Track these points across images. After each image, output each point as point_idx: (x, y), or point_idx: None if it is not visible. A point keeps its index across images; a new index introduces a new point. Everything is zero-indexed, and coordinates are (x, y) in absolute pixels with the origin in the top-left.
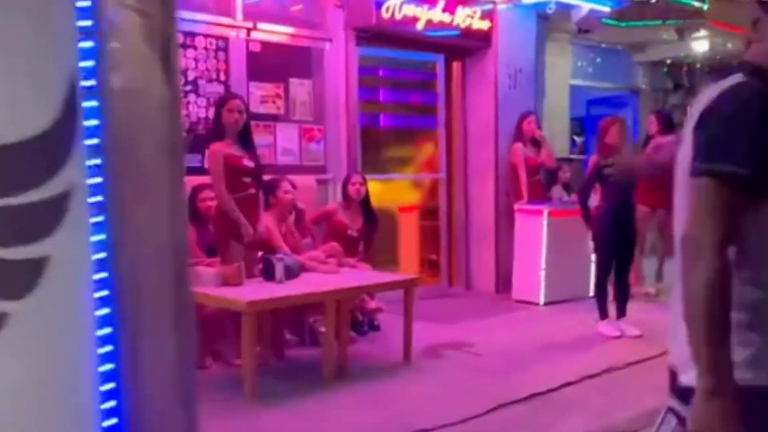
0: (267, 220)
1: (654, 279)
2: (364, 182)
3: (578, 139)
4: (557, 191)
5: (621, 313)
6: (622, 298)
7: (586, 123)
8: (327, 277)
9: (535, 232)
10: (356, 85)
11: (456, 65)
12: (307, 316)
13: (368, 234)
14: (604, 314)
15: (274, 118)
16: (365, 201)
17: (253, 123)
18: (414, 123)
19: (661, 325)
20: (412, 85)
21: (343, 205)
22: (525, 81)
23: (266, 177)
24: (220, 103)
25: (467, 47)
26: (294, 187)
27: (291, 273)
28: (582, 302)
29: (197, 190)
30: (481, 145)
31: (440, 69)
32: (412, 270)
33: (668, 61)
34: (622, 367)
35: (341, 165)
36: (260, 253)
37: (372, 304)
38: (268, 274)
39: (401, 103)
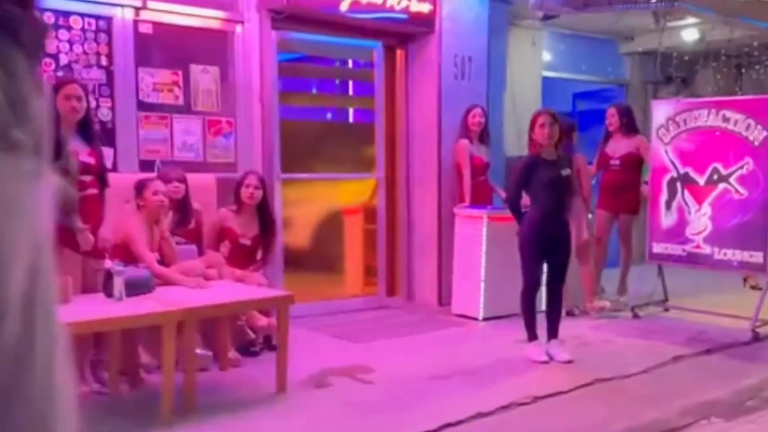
0: (131, 225)
1: (615, 292)
2: (261, 185)
3: None
4: None
5: (552, 333)
6: (553, 316)
7: (573, 118)
8: (189, 292)
9: (475, 238)
10: (274, 74)
11: (399, 53)
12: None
13: (266, 242)
14: (531, 335)
15: (171, 108)
16: (262, 206)
17: (143, 114)
18: (347, 117)
19: (603, 347)
20: (345, 75)
21: (235, 210)
22: (475, 71)
23: (138, 176)
24: (54, 89)
25: (407, 33)
26: (183, 180)
27: (138, 288)
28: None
29: None
30: (423, 142)
31: (378, 57)
32: (357, 278)
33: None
34: (529, 402)
35: (255, 162)
36: (107, 264)
37: (263, 321)
38: (108, 289)
39: (332, 95)
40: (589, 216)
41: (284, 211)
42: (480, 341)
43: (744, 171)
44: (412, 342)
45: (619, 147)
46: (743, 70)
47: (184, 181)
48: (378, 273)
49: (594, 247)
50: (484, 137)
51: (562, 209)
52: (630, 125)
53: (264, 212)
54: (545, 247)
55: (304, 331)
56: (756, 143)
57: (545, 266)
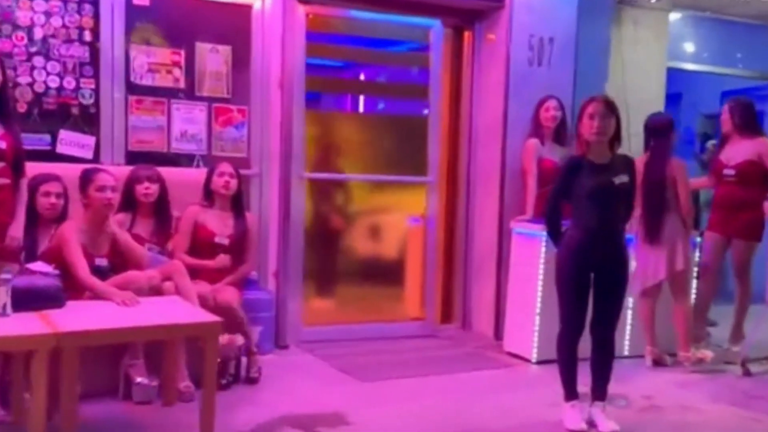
0: (65, 226)
1: (729, 341)
2: (236, 174)
3: (710, 144)
4: None
5: (597, 393)
6: (600, 370)
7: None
8: (93, 312)
9: (532, 260)
10: (301, 56)
11: (467, 36)
12: (120, 358)
13: (240, 243)
14: (569, 393)
15: (169, 92)
16: (237, 200)
17: (134, 98)
18: (394, 108)
19: (678, 417)
20: (392, 59)
21: (206, 204)
22: (558, 55)
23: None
24: None
25: (472, 9)
26: (157, 180)
27: (37, 301)
28: None
29: None
30: (487, 141)
31: (435, 38)
32: (403, 300)
33: None
34: None
35: (272, 158)
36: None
37: (224, 339)
38: None
39: (375, 82)
40: (697, 239)
41: (312, 214)
42: (514, 392)
43: None
44: (432, 385)
45: (735, 153)
46: None
47: (158, 180)
48: (426, 295)
49: (699, 279)
50: (560, 136)
51: (612, 228)
52: (746, 125)
53: (239, 207)
54: (588, 279)
55: (309, 360)
56: None
57: (591, 304)
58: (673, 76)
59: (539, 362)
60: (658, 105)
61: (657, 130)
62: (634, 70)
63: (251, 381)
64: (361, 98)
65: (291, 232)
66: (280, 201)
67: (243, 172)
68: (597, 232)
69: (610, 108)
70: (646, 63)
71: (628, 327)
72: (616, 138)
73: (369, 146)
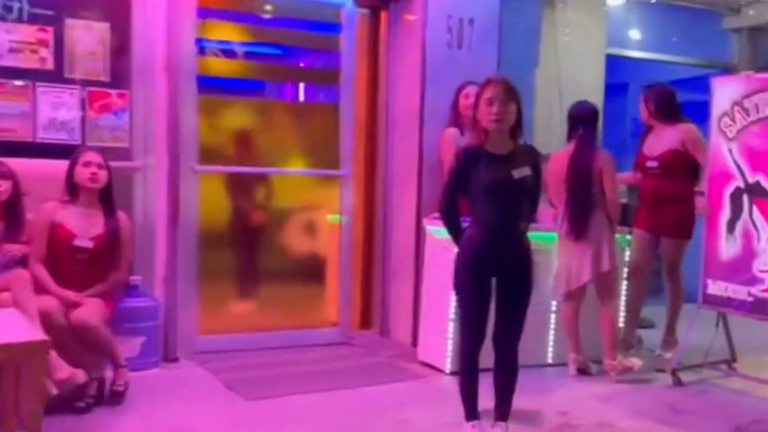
0: None
1: (660, 346)
2: (105, 164)
3: None
4: None
5: (499, 413)
6: (503, 387)
7: None
8: None
9: (445, 261)
10: (191, 34)
11: (384, 16)
12: None
13: (110, 246)
14: (469, 412)
15: (34, 75)
16: (106, 195)
17: None
18: (303, 95)
19: None
20: (300, 40)
21: (67, 200)
22: (479, 38)
23: None
24: None
25: None
26: (9, 177)
27: None
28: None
29: None
30: (403, 131)
31: (346, 18)
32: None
33: None
34: None
35: (159, 149)
36: None
37: (63, 372)
38: None
39: (281, 66)
40: (628, 237)
41: (209, 211)
42: (421, 408)
43: None
44: (330, 402)
45: (657, 144)
46: None
47: (9, 177)
48: (340, 300)
49: (630, 280)
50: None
51: (515, 227)
52: (664, 113)
53: (109, 203)
54: (489, 283)
55: (197, 375)
56: None
57: (494, 312)
58: (619, 64)
59: (453, 373)
60: (597, 95)
61: (581, 120)
62: (569, 56)
63: (115, 396)
64: (266, 83)
65: (181, 231)
66: (168, 197)
67: (125, 164)
68: (497, 231)
69: (510, 92)
70: (583, 49)
71: (552, 333)
72: (517, 126)
73: (275, 136)
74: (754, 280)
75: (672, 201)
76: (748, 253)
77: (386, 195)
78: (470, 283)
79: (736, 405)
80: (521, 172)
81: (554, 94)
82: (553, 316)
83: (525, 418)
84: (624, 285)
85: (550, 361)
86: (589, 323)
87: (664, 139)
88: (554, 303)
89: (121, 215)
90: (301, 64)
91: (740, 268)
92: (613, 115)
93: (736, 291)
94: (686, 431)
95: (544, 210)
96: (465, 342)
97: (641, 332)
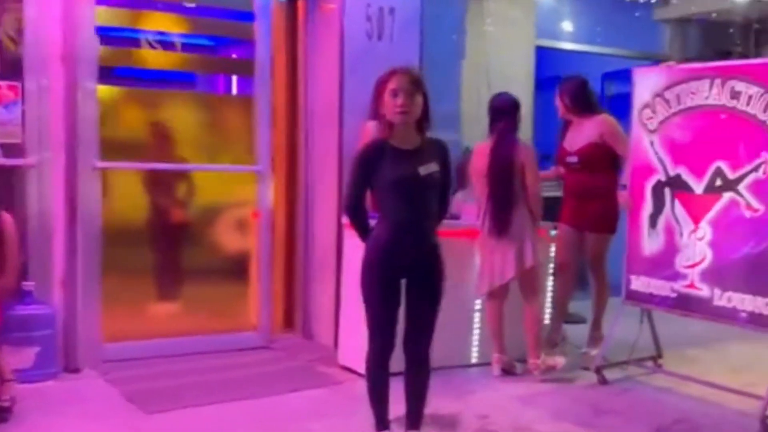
0: None
1: (587, 343)
2: None
3: None
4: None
5: (411, 421)
6: (414, 394)
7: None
8: None
9: None
10: (90, 21)
11: (300, 5)
12: None
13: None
14: (379, 422)
15: None
16: None
17: None
18: (211, 86)
19: None
20: (210, 29)
21: None
22: (400, 28)
23: None
24: None
25: None
26: None
27: None
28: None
29: None
30: (323, 124)
31: (260, 6)
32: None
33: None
34: None
35: (55, 145)
36: None
37: None
38: None
39: (189, 56)
40: (552, 232)
41: (117, 211)
42: (333, 418)
43: (760, 174)
44: (237, 413)
45: (576, 138)
46: None
47: None
48: (260, 302)
49: (556, 277)
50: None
51: (423, 225)
52: (580, 106)
53: None
54: (398, 285)
55: (96, 386)
56: None
57: (404, 315)
58: (551, 57)
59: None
60: (527, 88)
61: (501, 112)
62: (497, 48)
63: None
64: (177, 74)
65: (81, 232)
66: (65, 195)
67: (17, 161)
68: (405, 230)
69: (415, 83)
70: (512, 41)
71: (477, 332)
72: (424, 119)
73: (187, 131)
74: (676, 276)
75: (594, 195)
76: (671, 248)
77: (308, 191)
78: (378, 284)
79: (660, 404)
80: (428, 168)
81: (483, 86)
82: (477, 315)
83: (441, 423)
84: (550, 281)
85: (474, 360)
86: (515, 321)
87: (582, 133)
88: (479, 301)
89: (5, 216)
90: (214, 55)
91: (663, 264)
92: (545, 108)
93: (659, 287)
94: None
95: (467, 205)
96: (373, 347)
97: (568, 329)
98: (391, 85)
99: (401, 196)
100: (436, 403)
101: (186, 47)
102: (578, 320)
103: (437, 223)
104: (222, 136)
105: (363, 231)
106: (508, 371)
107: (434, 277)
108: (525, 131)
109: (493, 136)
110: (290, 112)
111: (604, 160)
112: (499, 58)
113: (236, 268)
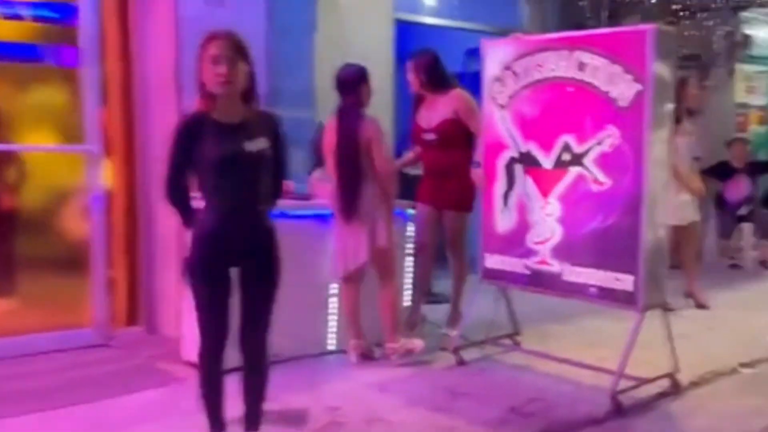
0: None
1: (446, 324)
2: None
3: None
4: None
5: (249, 422)
6: (251, 392)
7: (464, 82)
8: None
9: None
10: None
11: None
12: None
13: None
14: (213, 424)
15: None
16: None
17: None
18: (27, 54)
19: None
20: None
21: None
22: None
23: None
24: None
25: None
26: None
27: None
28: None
29: None
30: (161, 100)
31: None
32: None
33: None
34: None
35: None
36: None
37: None
38: None
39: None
40: (410, 211)
41: None
42: (153, 425)
43: (606, 147)
44: (53, 421)
45: (432, 114)
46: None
47: None
48: (95, 295)
49: (415, 257)
50: (248, 95)
51: (253, 209)
52: (436, 82)
53: None
54: (227, 274)
55: None
56: (622, 103)
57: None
58: (413, 32)
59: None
60: (386, 63)
61: (345, 85)
62: (354, 21)
63: None
64: None
65: None
66: None
67: None
68: (232, 215)
69: (238, 49)
70: (369, 14)
71: (333, 318)
72: (251, 89)
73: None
74: (529, 253)
75: (452, 173)
76: (523, 226)
77: (147, 172)
78: (205, 275)
79: (516, 383)
80: (256, 143)
81: (338, 61)
82: (334, 299)
83: (288, 419)
84: (410, 262)
85: (332, 348)
86: (373, 305)
87: (438, 110)
88: (335, 285)
89: None
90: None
91: (516, 241)
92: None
93: (513, 264)
94: (459, 418)
95: (323, 185)
96: (204, 342)
97: (431, 309)
98: (212, 51)
99: (226, 177)
100: (285, 397)
101: None
102: (442, 300)
103: (270, 206)
104: (47, 114)
105: (186, 216)
106: (366, 356)
107: (268, 265)
108: (385, 109)
109: (337, 111)
110: (125, 86)
111: (461, 137)
112: (355, 32)
113: (72, 258)
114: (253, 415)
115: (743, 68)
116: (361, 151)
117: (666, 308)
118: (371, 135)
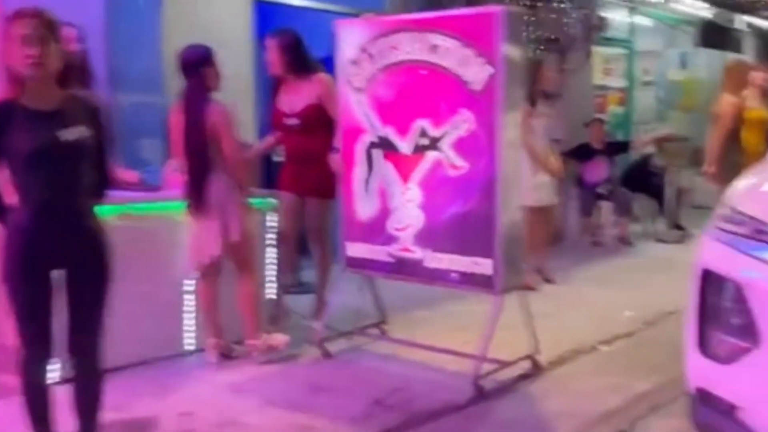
0: None
1: (312, 316)
2: None
3: None
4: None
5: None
6: (82, 404)
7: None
8: None
9: None
10: None
11: None
12: None
13: None
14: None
15: None
16: None
17: None
18: None
19: None
20: None
21: None
22: None
23: None
24: None
25: None
26: None
27: None
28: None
29: None
30: None
31: None
32: None
33: None
34: None
35: None
36: None
37: None
38: None
39: None
40: (271, 200)
41: None
42: None
43: (461, 132)
44: None
45: (295, 99)
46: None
47: None
48: None
49: (278, 247)
50: (83, 78)
51: (73, 204)
52: (302, 64)
53: None
54: (47, 277)
55: None
56: (476, 86)
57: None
58: (273, 13)
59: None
60: (245, 46)
61: (187, 67)
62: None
63: None
64: None
65: None
66: None
67: None
68: (48, 212)
69: (49, 28)
70: None
71: (192, 317)
72: (69, 72)
73: None
74: (391, 240)
75: (314, 159)
76: (384, 212)
77: None
78: (21, 278)
79: (381, 373)
80: (74, 132)
81: (191, 42)
82: (191, 296)
83: (133, 429)
84: (272, 253)
85: (190, 348)
86: (233, 301)
87: (300, 94)
88: (191, 282)
89: None
90: None
91: (378, 229)
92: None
93: (376, 252)
94: (320, 416)
95: (174, 175)
96: (24, 350)
97: (300, 300)
98: (20, 30)
99: (40, 170)
100: (133, 404)
101: None
102: (309, 290)
103: (96, 201)
104: None
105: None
106: (227, 355)
107: (94, 267)
108: (245, 94)
109: (181, 95)
110: None
111: (324, 123)
112: (208, 10)
113: None
114: (87, 428)
115: (601, 51)
116: (208, 138)
117: (528, 288)
118: (218, 120)
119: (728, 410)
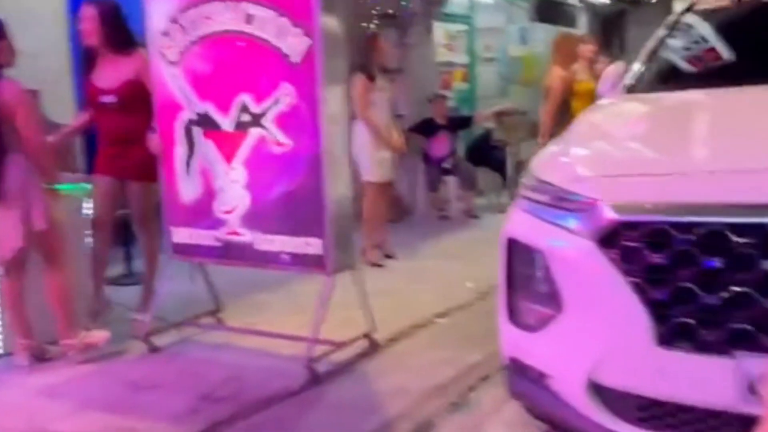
0: None
1: (137, 309)
2: None
3: None
4: None
5: None
6: None
7: None
8: None
9: None
10: None
11: None
12: None
13: None
14: None
15: None
16: None
17: None
18: None
19: None
20: None
21: None
22: None
23: None
24: None
25: None
26: None
27: None
28: None
29: None
30: None
31: None
32: None
33: None
34: None
35: None
36: None
37: None
38: None
39: None
40: (87, 186)
41: None
42: None
43: (283, 106)
44: None
45: (113, 74)
46: None
47: None
48: None
49: (93, 236)
50: None
51: None
52: (122, 36)
53: None
54: None
55: None
56: (295, 59)
57: None
58: None
59: None
60: (59, 19)
61: None
62: None
63: None
64: None
65: None
66: None
67: None
68: None
69: None
70: None
71: None
72: None
73: None
74: (218, 224)
75: (134, 140)
76: (209, 195)
77: None
78: None
79: (212, 365)
80: None
81: None
82: None
83: None
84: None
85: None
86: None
87: (119, 69)
88: None
89: None
90: None
91: (203, 212)
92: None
93: (204, 237)
94: (141, 417)
95: None
96: None
97: (123, 292)
98: None
99: None
100: None
101: None
102: (136, 281)
103: None
104: None
105: None
106: (40, 357)
107: None
108: (60, 72)
109: None
110: None
111: (143, 101)
112: None
113: None
114: None
115: (443, 27)
116: (2, 119)
117: (374, 264)
118: (12, 100)
119: (538, 378)
